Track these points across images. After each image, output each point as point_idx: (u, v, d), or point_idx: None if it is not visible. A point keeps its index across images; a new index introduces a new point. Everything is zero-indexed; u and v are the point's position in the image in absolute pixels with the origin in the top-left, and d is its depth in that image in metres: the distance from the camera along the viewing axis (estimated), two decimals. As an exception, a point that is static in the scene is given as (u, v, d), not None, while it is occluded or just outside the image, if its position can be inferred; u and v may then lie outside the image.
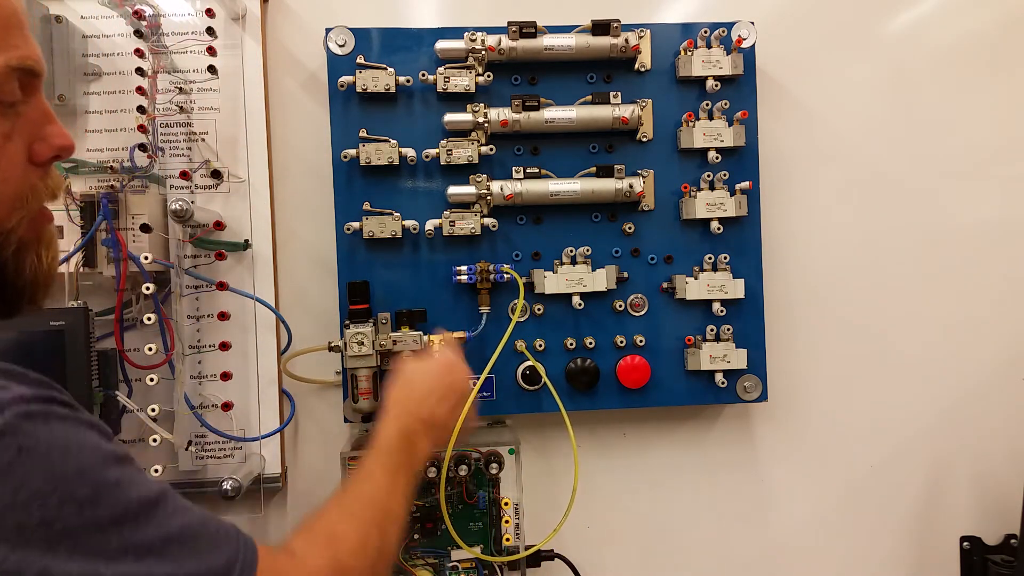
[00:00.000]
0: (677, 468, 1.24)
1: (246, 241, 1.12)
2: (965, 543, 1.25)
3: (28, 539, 0.44)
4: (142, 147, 1.05)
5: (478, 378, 1.02)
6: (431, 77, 1.10)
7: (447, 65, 1.10)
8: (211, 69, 1.09)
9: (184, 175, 1.08)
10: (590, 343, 1.15)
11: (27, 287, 0.57)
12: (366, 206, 1.11)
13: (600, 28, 1.11)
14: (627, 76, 1.15)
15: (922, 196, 1.26)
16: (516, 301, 1.13)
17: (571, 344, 1.14)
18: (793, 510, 1.26)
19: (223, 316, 1.11)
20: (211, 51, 1.09)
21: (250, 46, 1.12)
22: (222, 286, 1.07)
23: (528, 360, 1.13)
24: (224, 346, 1.10)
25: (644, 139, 1.15)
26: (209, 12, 1.08)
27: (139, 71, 1.04)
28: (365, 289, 1.09)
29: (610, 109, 1.12)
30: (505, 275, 1.11)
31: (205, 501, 1.12)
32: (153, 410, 1.02)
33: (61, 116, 0.67)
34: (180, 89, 1.08)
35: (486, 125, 1.10)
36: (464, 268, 1.11)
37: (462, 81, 1.10)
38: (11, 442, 0.44)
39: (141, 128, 1.04)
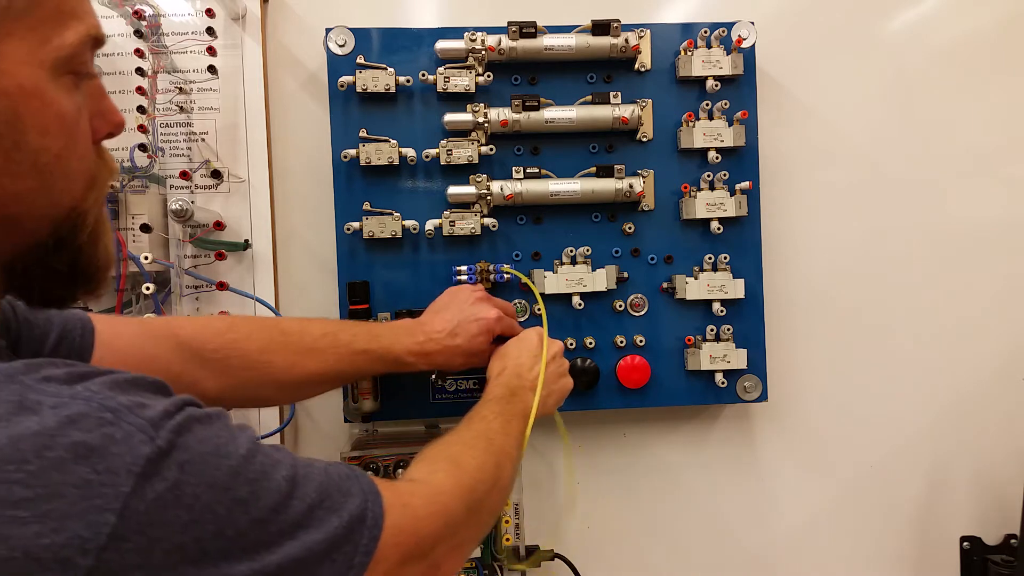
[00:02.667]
0: (677, 468, 1.24)
1: (246, 241, 1.12)
2: (965, 543, 1.25)
3: (206, 552, 0.43)
4: (142, 147, 1.05)
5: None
6: (431, 77, 1.10)
7: (447, 65, 1.11)
8: (211, 69, 1.09)
9: (184, 175, 1.08)
10: (590, 343, 1.15)
11: (99, 273, 0.56)
12: (366, 206, 1.11)
13: (600, 28, 1.11)
14: (627, 76, 1.15)
15: (922, 196, 1.26)
16: (520, 301, 1.13)
17: (571, 344, 1.14)
18: (793, 510, 1.26)
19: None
20: (211, 51, 1.09)
21: (250, 46, 1.12)
22: (222, 286, 1.07)
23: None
24: (224, 346, 1.10)
25: (644, 139, 1.15)
26: (209, 12, 1.08)
27: (139, 71, 1.04)
28: (365, 289, 1.09)
29: (610, 109, 1.12)
30: (505, 275, 1.11)
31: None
32: (153, 410, 1.01)
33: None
34: (180, 89, 1.08)
35: (486, 125, 1.10)
36: (464, 268, 1.11)
37: (462, 81, 1.10)
38: (173, 460, 0.42)
39: (141, 128, 1.04)
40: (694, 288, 1.14)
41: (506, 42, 1.10)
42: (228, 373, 0.83)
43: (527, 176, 1.12)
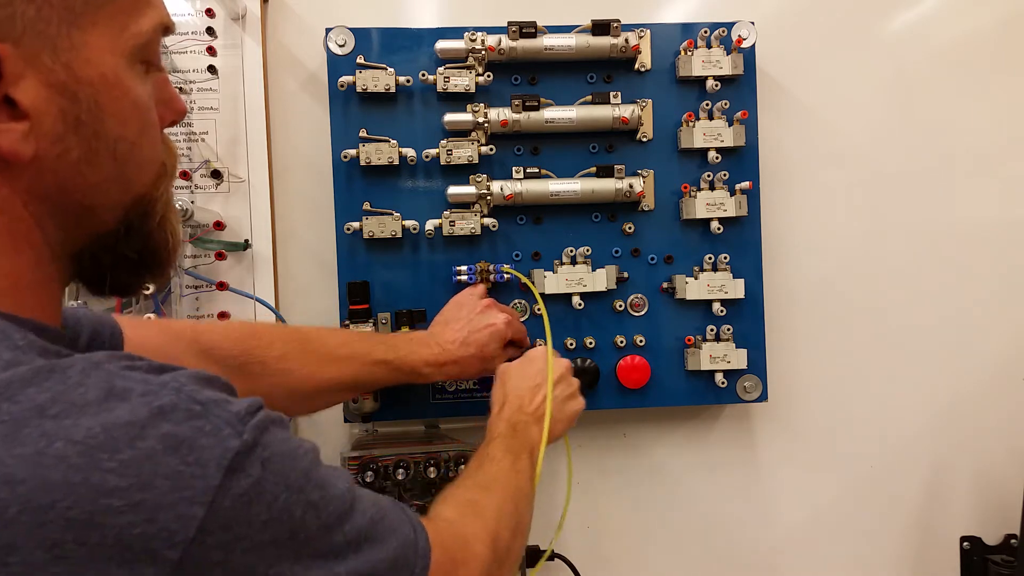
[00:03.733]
0: (677, 468, 1.24)
1: (246, 241, 1.12)
2: (965, 543, 1.25)
3: (281, 553, 0.43)
4: (142, 147, 1.05)
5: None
6: (431, 77, 1.10)
7: (447, 65, 1.10)
8: (211, 69, 1.09)
9: (184, 175, 1.08)
10: (590, 343, 1.15)
11: (169, 257, 0.55)
12: (366, 206, 1.11)
13: (600, 28, 1.11)
14: (627, 76, 1.15)
15: (923, 196, 1.26)
16: (520, 301, 1.13)
17: (571, 344, 1.14)
18: (793, 510, 1.26)
19: (223, 316, 1.10)
20: (211, 51, 1.09)
21: (250, 46, 1.12)
22: (222, 286, 1.07)
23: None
24: (224, 346, 1.10)
25: (644, 139, 1.15)
26: (209, 12, 1.08)
27: (139, 71, 1.04)
28: (365, 289, 1.09)
29: (610, 109, 1.12)
30: (505, 275, 1.11)
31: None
32: (153, 410, 1.01)
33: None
34: (180, 89, 1.08)
35: (486, 125, 1.10)
36: (464, 268, 1.11)
37: (462, 81, 1.10)
38: (256, 457, 0.42)
39: (141, 128, 1.04)
40: (694, 288, 1.14)
41: (506, 42, 1.10)
42: (247, 379, 0.83)
43: (527, 176, 1.12)
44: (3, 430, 0.37)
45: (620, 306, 1.15)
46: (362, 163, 1.09)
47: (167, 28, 0.52)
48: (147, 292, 1.00)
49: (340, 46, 1.11)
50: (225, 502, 0.40)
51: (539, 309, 1.12)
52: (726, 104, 1.13)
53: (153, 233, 0.53)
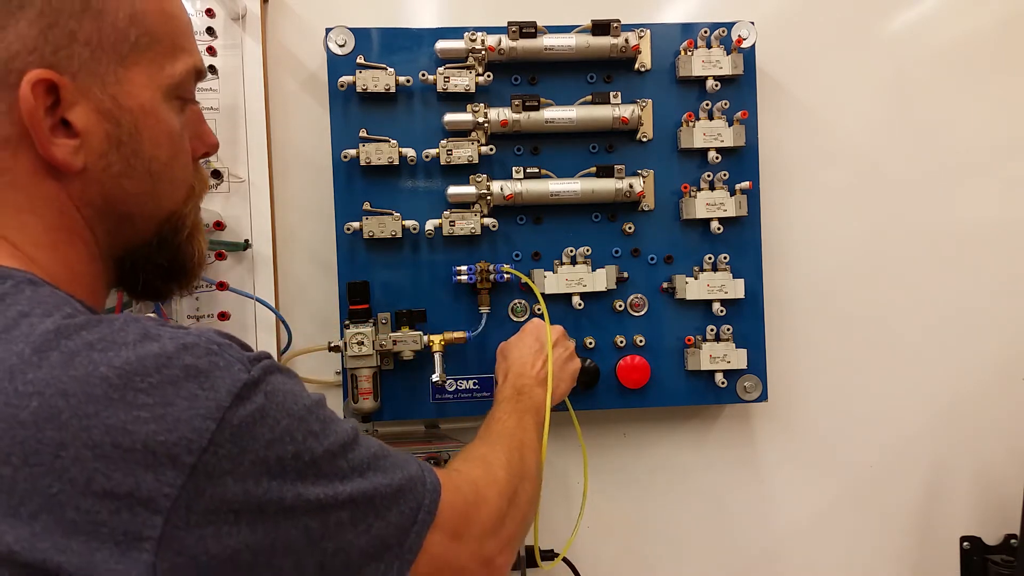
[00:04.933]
0: (677, 468, 1.24)
1: (246, 241, 1.12)
2: (965, 543, 1.25)
3: (285, 469, 0.50)
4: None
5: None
6: (431, 77, 1.10)
7: (447, 65, 1.10)
8: (211, 69, 1.08)
9: (184, 175, 1.07)
10: (590, 343, 1.15)
11: (195, 269, 0.66)
12: (366, 206, 1.11)
13: (600, 28, 1.11)
14: (627, 76, 1.15)
15: (923, 196, 1.26)
16: (520, 301, 1.13)
17: (571, 344, 1.14)
18: (793, 510, 1.26)
19: (223, 316, 1.10)
20: (211, 51, 1.09)
21: (250, 46, 1.12)
22: (222, 286, 1.07)
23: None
24: (224, 346, 1.10)
25: (644, 139, 1.15)
26: (209, 12, 1.08)
27: (139, 71, 1.04)
28: (365, 289, 1.08)
29: (610, 109, 1.12)
30: (505, 275, 1.11)
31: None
32: (153, 410, 1.01)
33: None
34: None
35: (486, 125, 1.10)
36: (464, 268, 1.11)
37: (462, 81, 1.10)
38: (261, 389, 0.51)
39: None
40: (694, 288, 1.14)
41: (506, 42, 1.10)
42: None
43: (527, 176, 1.12)
44: (62, 358, 0.46)
45: (620, 306, 1.15)
46: (362, 163, 1.09)
47: (200, 72, 0.62)
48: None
49: (340, 46, 1.11)
50: (234, 420, 0.48)
51: (539, 309, 1.12)
52: (726, 104, 1.13)
53: (182, 246, 0.64)
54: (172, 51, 0.59)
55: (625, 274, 1.15)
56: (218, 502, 0.47)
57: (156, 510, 0.45)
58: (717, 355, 1.13)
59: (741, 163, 1.16)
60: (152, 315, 0.52)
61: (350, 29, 1.11)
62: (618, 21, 1.11)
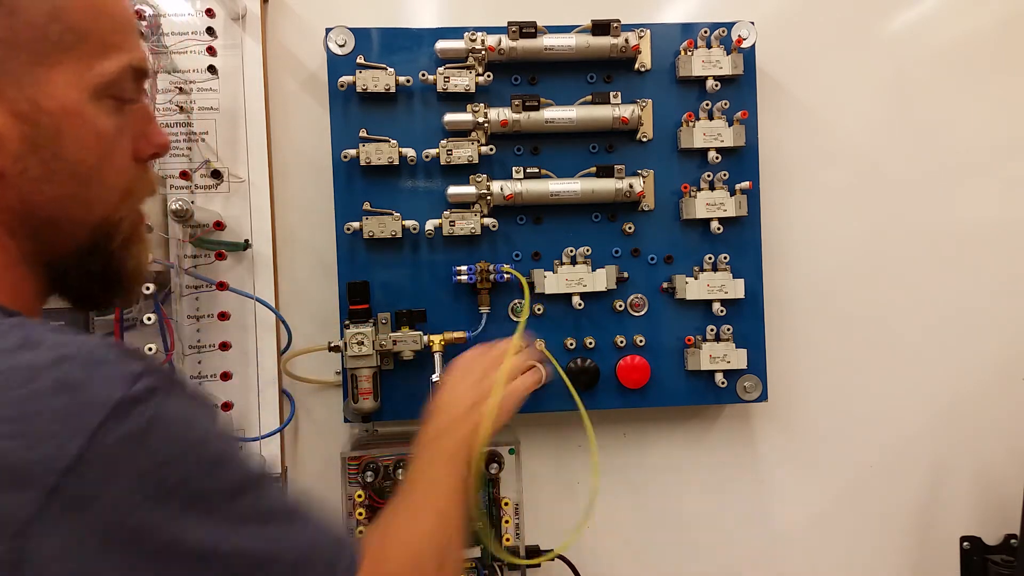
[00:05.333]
0: (677, 468, 1.24)
1: (246, 241, 1.12)
2: (965, 543, 1.25)
3: (167, 499, 0.45)
4: (142, 147, 1.05)
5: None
6: (431, 77, 1.10)
7: (447, 65, 1.10)
8: (211, 69, 1.08)
9: (184, 175, 1.08)
10: (590, 343, 1.15)
11: (128, 279, 0.61)
12: (366, 206, 1.11)
13: (600, 28, 1.11)
14: (627, 76, 1.15)
15: (923, 196, 1.26)
16: (520, 301, 1.13)
17: (571, 344, 1.14)
18: (793, 510, 1.26)
19: (223, 316, 1.11)
20: (211, 51, 1.09)
21: (250, 46, 1.12)
22: (222, 286, 1.07)
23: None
24: (224, 346, 1.10)
25: (644, 139, 1.15)
26: (209, 12, 1.08)
27: (139, 71, 1.04)
28: (365, 289, 1.09)
29: (610, 109, 1.12)
30: (505, 275, 1.11)
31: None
32: (153, 410, 1.01)
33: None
34: (180, 89, 1.08)
35: (486, 125, 1.10)
36: (464, 268, 1.11)
37: (462, 81, 1.10)
38: (144, 410, 0.46)
39: (141, 128, 1.04)
40: (694, 288, 1.14)
41: (506, 42, 1.10)
42: None
43: (527, 176, 1.12)
44: None
45: (620, 306, 1.15)
46: (362, 163, 1.09)
47: (140, 70, 0.58)
48: (147, 292, 1.00)
49: (340, 46, 1.11)
50: (107, 439, 0.44)
51: (539, 309, 1.13)
52: (726, 104, 1.13)
53: (115, 253, 0.59)
54: (102, 49, 0.54)
55: (625, 274, 1.15)
56: (82, 529, 0.43)
57: (9, 534, 0.41)
58: (717, 355, 1.13)
59: (741, 163, 1.16)
60: (58, 323, 0.50)
61: (350, 29, 1.11)
62: (618, 21, 1.11)
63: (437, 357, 1.07)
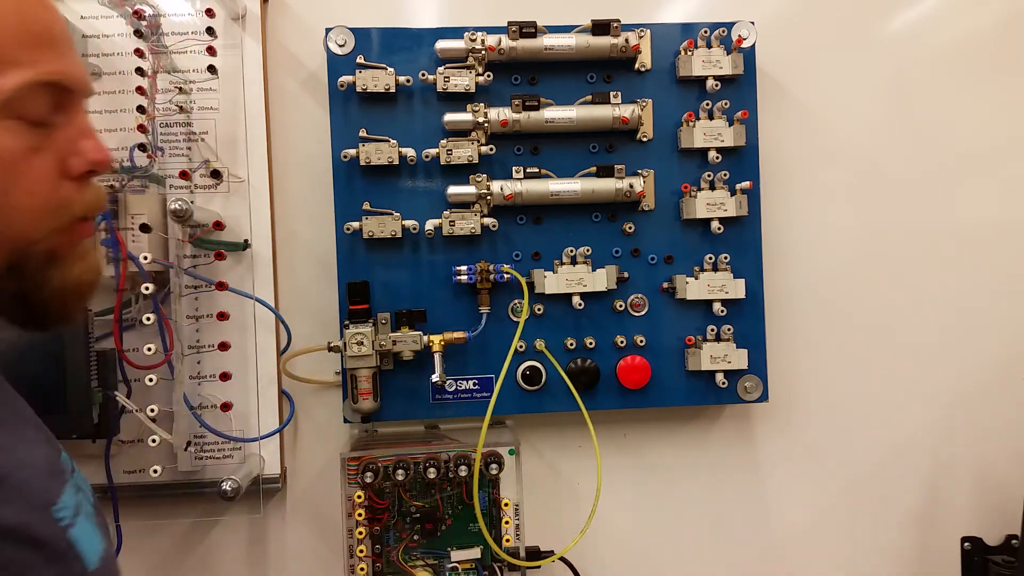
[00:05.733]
0: (677, 468, 1.24)
1: (246, 241, 1.12)
2: (966, 543, 1.25)
3: None
4: (142, 147, 1.05)
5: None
6: (431, 77, 1.10)
7: (447, 65, 1.10)
8: (211, 69, 1.08)
9: (184, 175, 1.07)
10: (590, 343, 1.14)
11: (52, 300, 0.57)
12: (366, 206, 1.11)
13: (600, 28, 1.11)
14: (627, 76, 1.15)
15: (923, 196, 1.26)
16: (519, 301, 1.13)
17: (571, 344, 1.14)
18: (793, 510, 1.26)
19: (222, 316, 1.10)
20: (211, 51, 1.09)
21: (250, 46, 1.12)
22: (222, 286, 1.07)
23: (529, 360, 1.13)
24: (223, 346, 1.10)
25: (644, 139, 1.15)
26: (209, 12, 1.08)
27: (139, 71, 1.04)
28: (365, 289, 1.08)
29: (610, 109, 1.12)
30: (505, 275, 1.11)
31: (204, 502, 1.12)
32: (152, 410, 1.01)
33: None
34: (180, 89, 1.08)
35: (486, 125, 1.10)
36: (464, 268, 1.11)
37: (462, 81, 1.10)
38: None
39: (141, 128, 1.04)
40: (694, 288, 1.14)
41: (506, 42, 1.10)
42: None
43: (527, 176, 1.12)
44: None
45: (620, 306, 1.15)
46: (362, 163, 1.09)
47: (56, 85, 0.53)
48: (146, 292, 1.00)
49: (340, 46, 1.11)
50: None
51: (539, 309, 1.12)
52: (726, 104, 1.13)
53: (34, 275, 0.55)
54: None
55: (625, 274, 1.15)
56: None
57: None
58: (718, 355, 1.13)
59: (741, 163, 1.16)
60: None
61: (350, 29, 1.11)
62: (618, 21, 1.11)
63: (437, 357, 1.07)
